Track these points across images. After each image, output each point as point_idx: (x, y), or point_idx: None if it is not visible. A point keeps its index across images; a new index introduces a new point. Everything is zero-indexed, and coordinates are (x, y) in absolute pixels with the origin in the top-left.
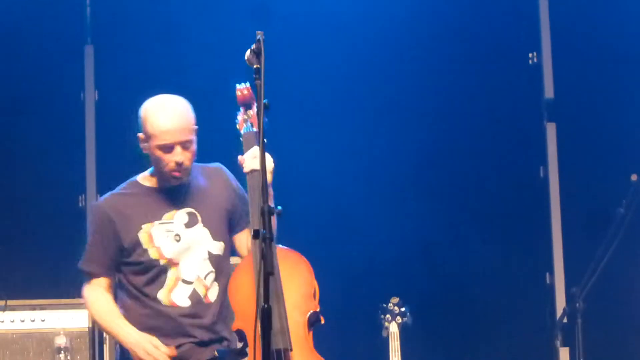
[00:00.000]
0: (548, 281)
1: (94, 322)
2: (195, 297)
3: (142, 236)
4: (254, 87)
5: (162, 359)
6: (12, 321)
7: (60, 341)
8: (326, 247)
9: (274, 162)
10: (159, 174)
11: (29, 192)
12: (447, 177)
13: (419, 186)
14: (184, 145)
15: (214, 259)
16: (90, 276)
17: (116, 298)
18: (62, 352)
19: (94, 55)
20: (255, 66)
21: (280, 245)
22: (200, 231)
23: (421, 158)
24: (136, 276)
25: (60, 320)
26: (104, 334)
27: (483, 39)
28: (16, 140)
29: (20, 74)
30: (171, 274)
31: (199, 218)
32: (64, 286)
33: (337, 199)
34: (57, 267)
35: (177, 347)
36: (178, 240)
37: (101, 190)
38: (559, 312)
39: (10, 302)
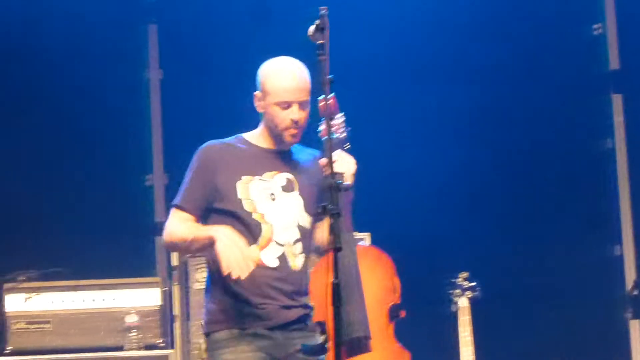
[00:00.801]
0: (617, 253)
1: (174, 244)
2: (283, 260)
3: (240, 186)
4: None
5: (247, 264)
6: (83, 301)
7: (131, 320)
8: (394, 223)
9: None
10: (272, 132)
11: (96, 173)
12: (514, 151)
13: (486, 160)
14: (302, 104)
15: (302, 230)
16: (179, 210)
17: (208, 258)
18: (133, 330)
19: (158, 34)
20: (319, 42)
21: (362, 244)
22: (296, 199)
23: (489, 130)
24: (231, 225)
25: (130, 299)
26: (175, 312)
27: (547, 11)
28: (83, 121)
29: (85, 54)
30: (265, 232)
31: (296, 186)
32: (134, 265)
33: (406, 176)
34: (126, 246)
35: (260, 306)
36: (273, 200)
37: (168, 169)
38: (629, 284)
39: (80, 282)
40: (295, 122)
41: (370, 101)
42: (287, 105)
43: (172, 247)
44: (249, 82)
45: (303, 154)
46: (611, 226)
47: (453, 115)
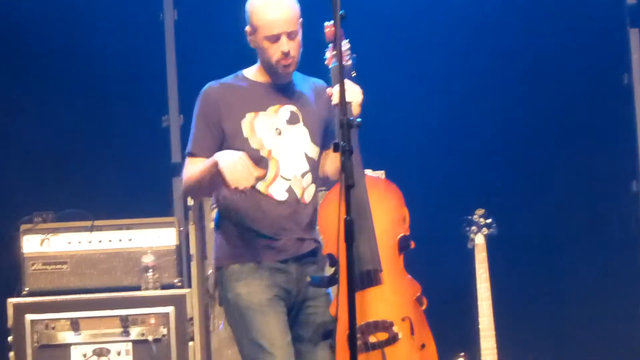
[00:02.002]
0: (634, 188)
1: (189, 187)
2: (292, 193)
3: (245, 125)
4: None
5: (250, 172)
6: (100, 241)
7: (148, 260)
8: (410, 161)
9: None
10: (267, 66)
11: (113, 115)
12: (532, 88)
13: (501, 97)
14: (290, 35)
15: (310, 161)
16: (192, 156)
17: (215, 193)
18: (150, 270)
19: None
20: None
21: (370, 173)
22: (301, 130)
23: (506, 69)
24: None
25: (146, 239)
26: (191, 252)
27: None
28: (98, 64)
29: None
30: (271, 167)
31: (300, 117)
32: (150, 205)
33: (420, 113)
34: (142, 186)
35: (275, 237)
36: (279, 134)
37: (183, 111)
38: None
39: (97, 223)
40: (285, 54)
41: (386, 35)
42: (275, 38)
43: (191, 192)
44: None
45: (304, 83)
46: (628, 161)
47: (470, 52)
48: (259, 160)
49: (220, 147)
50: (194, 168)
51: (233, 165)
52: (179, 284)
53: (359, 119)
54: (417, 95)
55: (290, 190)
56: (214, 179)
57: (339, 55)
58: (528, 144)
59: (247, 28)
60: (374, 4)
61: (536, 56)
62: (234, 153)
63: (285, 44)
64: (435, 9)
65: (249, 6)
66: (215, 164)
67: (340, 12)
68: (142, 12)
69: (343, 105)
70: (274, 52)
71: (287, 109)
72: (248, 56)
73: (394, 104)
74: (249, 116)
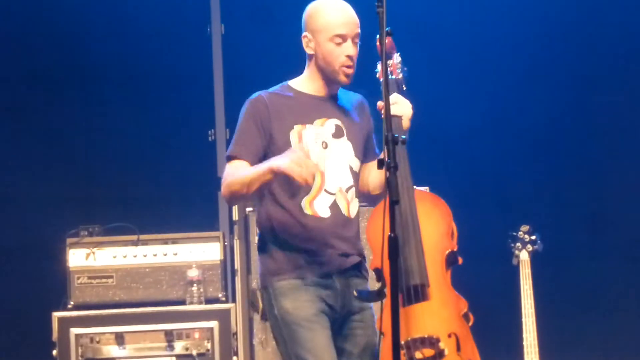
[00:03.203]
0: None
1: (235, 191)
2: (335, 208)
3: (293, 136)
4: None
5: (311, 167)
6: (145, 255)
7: (193, 274)
8: (454, 176)
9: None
10: (326, 73)
11: (159, 128)
12: (577, 102)
13: (546, 112)
14: (354, 39)
15: (354, 175)
16: (234, 158)
17: (259, 210)
18: (195, 284)
19: None
20: None
21: (418, 188)
22: (345, 144)
23: (553, 81)
24: (281, 178)
25: (192, 253)
26: (236, 266)
27: None
28: (146, 78)
29: (146, 9)
30: (316, 181)
31: (344, 131)
32: (195, 219)
33: (465, 128)
34: (189, 201)
35: (319, 254)
36: (325, 148)
37: (230, 125)
38: None
39: (143, 237)
40: (350, 58)
41: (431, 49)
42: (341, 40)
43: (232, 196)
44: None
45: (345, 97)
46: None
47: (514, 65)
48: None
49: (264, 157)
50: (240, 172)
51: (294, 162)
52: (224, 298)
53: (404, 136)
54: (461, 109)
55: (334, 206)
56: (263, 186)
57: (385, 70)
58: (575, 161)
59: (306, 34)
60: (425, 16)
61: (590, 68)
62: (287, 152)
63: (350, 47)
64: (484, 22)
65: (310, 10)
66: (270, 171)
67: (387, 29)
68: (190, 25)
69: (388, 121)
70: (338, 55)
71: (333, 122)
72: (295, 70)
73: (436, 118)
74: (297, 128)
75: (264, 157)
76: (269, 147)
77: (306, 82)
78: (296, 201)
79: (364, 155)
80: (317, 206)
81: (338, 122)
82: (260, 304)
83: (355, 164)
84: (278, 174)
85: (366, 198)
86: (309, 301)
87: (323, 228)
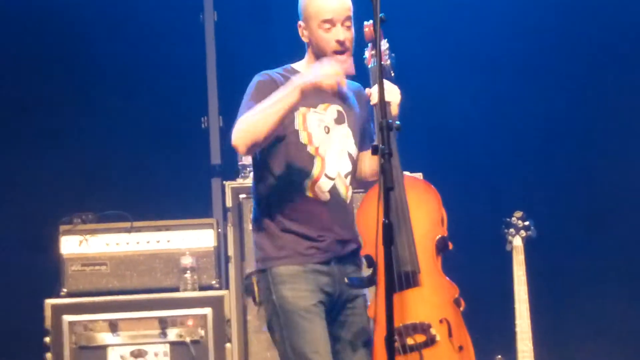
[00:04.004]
0: None
1: (253, 128)
2: (335, 192)
3: (298, 117)
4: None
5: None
6: (138, 243)
7: (186, 261)
8: (447, 162)
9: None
10: (321, 58)
11: (152, 116)
12: (569, 88)
13: (539, 98)
14: (345, 22)
15: (352, 162)
16: None
17: (256, 191)
18: (188, 271)
19: None
20: None
21: (408, 174)
22: (346, 130)
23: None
24: (284, 158)
25: (185, 241)
26: (229, 253)
27: None
28: (137, 65)
29: None
30: (317, 165)
31: (345, 118)
32: (189, 207)
33: (457, 115)
34: (182, 188)
35: (318, 237)
36: (327, 132)
37: (223, 112)
38: None
39: (136, 224)
40: (340, 43)
41: (423, 35)
42: (330, 25)
43: (249, 134)
44: None
45: (346, 85)
46: None
47: (511, 52)
48: (306, 157)
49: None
50: (256, 108)
51: (318, 70)
52: (217, 285)
53: (397, 122)
54: (453, 96)
55: (333, 190)
56: (286, 115)
57: (379, 56)
58: (568, 146)
59: (300, 22)
60: (420, 2)
61: (587, 60)
62: (309, 70)
63: (340, 32)
64: (477, 9)
65: None
66: (300, 90)
67: (381, 15)
68: (182, 13)
69: (382, 107)
70: (329, 41)
71: (335, 108)
72: (288, 58)
73: (430, 105)
74: (302, 110)
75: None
76: None
77: (308, 67)
78: (298, 183)
79: (361, 143)
80: (318, 189)
81: (340, 108)
82: (256, 288)
83: (354, 150)
84: (307, 92)
85: (362, 185)
86: (309, 291)
87: (323, 211)
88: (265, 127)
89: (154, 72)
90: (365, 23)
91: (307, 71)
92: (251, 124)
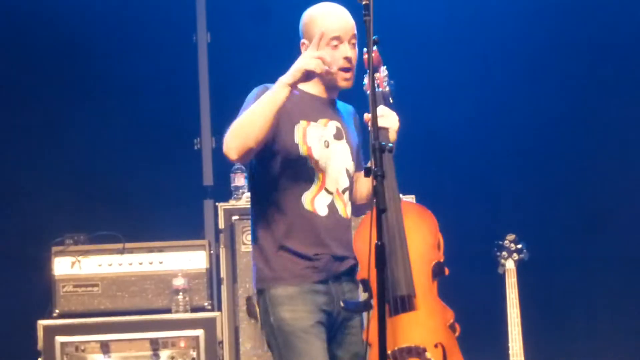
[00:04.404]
0: None
1: (248, 127)
2: (333, 208)
3: (298, 130)
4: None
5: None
6: (131, 264)
7: (179, 282)
8: (439, 185)
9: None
10: (324, 78)
11: (145, 137)
12: (563, 111)
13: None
14: (351, 40)
15: (349, 177)
16: None
17: (255, 211)
18: (180, 293)
19: None
20: (364, 2)
21: (404, 198)
22: (344, 146)
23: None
24: (283, 170)
25: (178, 262)
26: (222, 275)
27: None
28: (131, 85)
29: (132, 16)
30: (317, 179)
31: (344, 135)
32: (181, 228)
33: (450, 138)
34: (174, 209)
35: (314, 257)
36: (327, 147)
37: (216, 133)
38: None
39: (128, 245)
40: (348, 60)
41: (416, 59)
42: (337, 42)
43: (240, 138)
44: (298, 42)
45: (342, 106)
46: None
47: (499, 73)
48: (306, 170)
49: (268, 141)
50: (249, 109)
51: (299, 61)
52: (209, 307)
53: (390, 144)
54: (448, 118)
55: (331, 205)
56: (278, 113)
57: (372, 81)
58: (560, 167)
59: (304, 41)
60: (411, 26)
61: (578, 76)
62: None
63: (348, 50)
64: (473, 35)
65: (305, 17)
66: (285, 84)
67: (374, 37)
68: (176, 34)
69: (375, 130)
70: (337, 58)
71: (334, 124)
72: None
73: (422, 127)
74: (302, 123)
75: (269, 142)
76: (272, 134)
77: (308, 85)
78: (297, 196)
79: (356, 163)
80: (317, 204)
81: (339, 125)
82: (258, 309)
83: (351, 167)
84: (296, 82)
85: (354, 208)
86: (308, 312)
87: (321, 226)
88: (256, 128)
89: (146, 93)
90: (365, 50)
91: (293, 66)
92: (241, 127)
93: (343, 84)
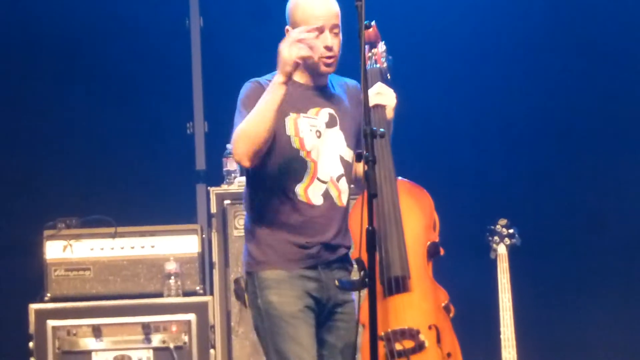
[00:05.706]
0: None
1: (251, 131)
2: (328, 197)
3: (289, 123)
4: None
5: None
6: (122, 248)
7: (170, 267)
8: (432, 169)
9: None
10: (307, 65)
11: (138, 121)
12: (555, 96)
13: (526, 105)
14: (333, 29)
15: (345, 165)
16: None
17: (249, 197)
18: (172, 277)
19: None
20: None
21: (401, 178)
22: (337, 134)
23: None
24: (275, 164)
25: (169, 246)
26: (214, 259)
27: None
28: (124, 69)
29: (124, 1)
30: (309, 169)
31: (337, 121)
32: (174, 212)
33: (445, 121)
34: (167, 193)
35: (307, 244)
36: (319, 137)
37: (208, 118)
38: None
39: (120, 229)
40: (329, 49)
41: (416, 43)
42: (319, 31)
43: (248, 144)
44: None
45: (338, 84)
46: None
47: (496, 59)
48: (298, 162)
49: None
50: (250, 114)
51: (283, 53)
52: (201, 291)
53: (382, 129)
54: (441, 102)
55: (326, 194)
56: (279, 104)
57: (363, 64)
58: (554, 154)
59: (288, 27)
60: (409, 8)
61: (569, 69)
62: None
63: (328, 39)
64: (469, 16)
65: (291, 4)
66: (281, 83)
67: (366, 22)
68: (168, 18)
69: (367, 115)
70: (318, 48)
71: (326, 111)
72: (274, 63)
73: (415, 110)
74: (293, 115)
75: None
76: None
77: (295, 74)
78: (290, 187)
79: (357, 142)
80: (311, 194)
81: (331, 111)
82: (246, 291)
83: (347, 153)
84: (289, 76)
85: (359, 186)
86: (295, 297)
87: (316, 216)
88: (260, 132)
89: (139, 77)
90: (365, 24)
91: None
92: (246, 134)
93: (325, 69)
